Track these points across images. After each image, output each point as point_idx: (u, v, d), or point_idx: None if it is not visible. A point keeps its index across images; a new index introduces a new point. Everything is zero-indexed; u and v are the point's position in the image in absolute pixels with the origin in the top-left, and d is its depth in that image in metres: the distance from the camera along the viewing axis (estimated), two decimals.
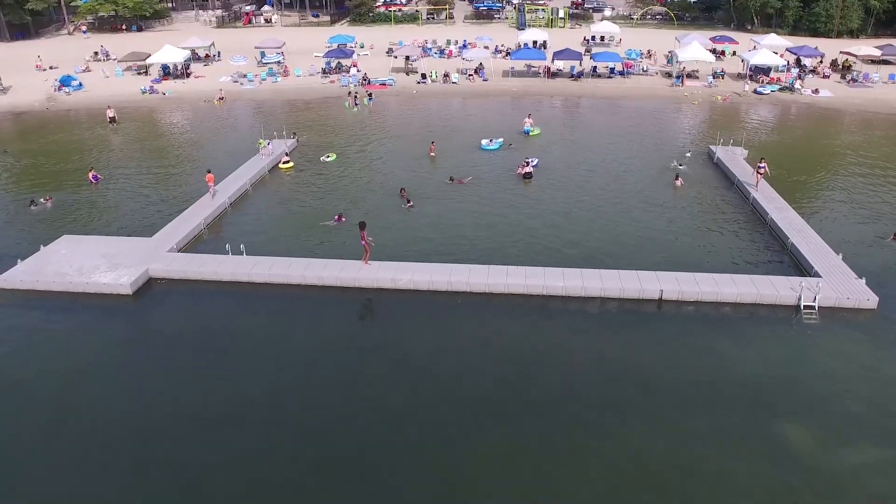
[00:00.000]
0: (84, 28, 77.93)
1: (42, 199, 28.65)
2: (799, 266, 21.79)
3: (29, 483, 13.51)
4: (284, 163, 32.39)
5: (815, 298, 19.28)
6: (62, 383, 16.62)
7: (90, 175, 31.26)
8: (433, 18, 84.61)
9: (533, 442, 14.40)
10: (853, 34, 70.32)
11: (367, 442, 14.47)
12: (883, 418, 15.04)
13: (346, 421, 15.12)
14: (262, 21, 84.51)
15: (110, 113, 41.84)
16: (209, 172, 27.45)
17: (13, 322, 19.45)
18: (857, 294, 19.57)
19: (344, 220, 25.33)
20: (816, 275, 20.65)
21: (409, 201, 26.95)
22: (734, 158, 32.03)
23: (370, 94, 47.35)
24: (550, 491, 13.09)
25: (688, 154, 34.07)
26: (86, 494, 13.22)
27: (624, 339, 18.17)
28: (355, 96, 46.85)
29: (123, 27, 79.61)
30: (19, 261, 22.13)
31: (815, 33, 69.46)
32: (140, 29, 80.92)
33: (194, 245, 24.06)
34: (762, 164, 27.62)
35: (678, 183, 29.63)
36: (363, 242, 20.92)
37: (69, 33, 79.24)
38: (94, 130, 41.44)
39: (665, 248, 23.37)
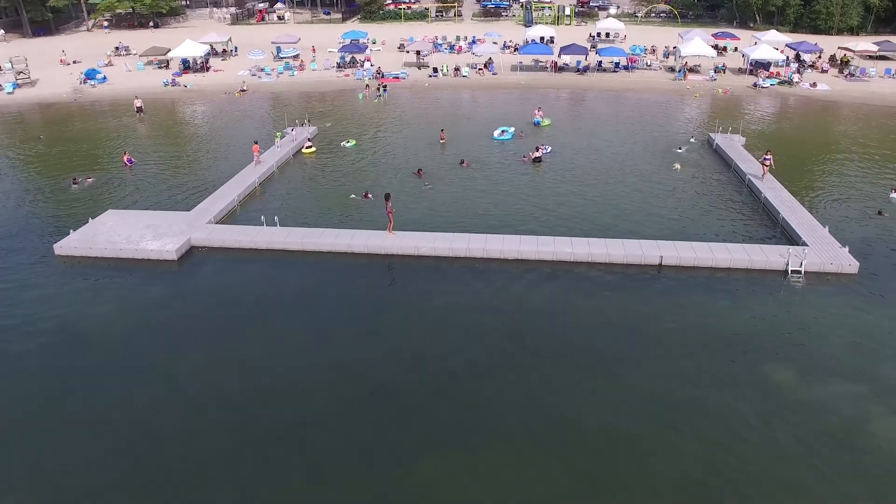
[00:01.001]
0: (105, 24, 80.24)
1: (83, 178, 30.72)
2: (789, 238, 23.62)
3: (97, 414, 15.47)
4: (307, 148, 34.35)
5: (801, 264, 21.12)
6: (119, 334, 18.57)
7: (125, 158, 33.29)
8: (442, 16, 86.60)
9: (545, 382, 16.27)
10: (853, 31, 71.95)
11: (395, 378, 16.38)
12: (857, 360, 16.89)
13: (376, 361, 17.01)
14: (275, 18, 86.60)
15: (138, 103, 43.89)
16: (256, 143, 30.93)
17: (71, 283, 21.43)
18: (840, 260, 21.41)
19: (370, 196, 27.28)
20: (804, 244, 22.48)
21: (427, 183, 28.84)
22: (732, 144, 33.85)
23: (385, 86, 49.26)
24: (563, 418, 14.94)
25: (692, 139, 35.99)
26: (147, 425, 15.16)
27: (627, 299, 20.04)
28: (378, 87, 48.80)
29: (149, 23, 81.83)
30: (71, 231, 24.14)
31: (815, 30, 71.12)
32: (156, 26, 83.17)
33: (229, 219, 26.04)
34: (768, 157, 28.20)
35: (678, 166, 31.47)
36: (388, 213, 22.85)
37: (88, 30, 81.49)
38: (122, 119, 43.49)
39: (665, 221, 25.28)
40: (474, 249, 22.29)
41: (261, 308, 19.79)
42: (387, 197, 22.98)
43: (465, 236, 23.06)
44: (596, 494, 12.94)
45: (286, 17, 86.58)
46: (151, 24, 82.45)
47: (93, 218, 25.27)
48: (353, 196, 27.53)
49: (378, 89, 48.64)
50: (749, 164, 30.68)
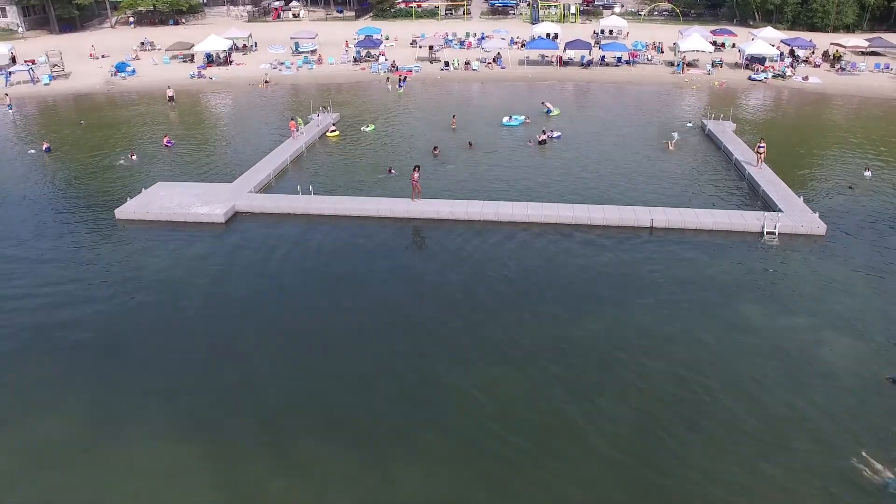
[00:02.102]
0: (132, 19, 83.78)
1: (128, 156, 33.88)
2: (767, 206, 26.42)
3: (158, 348, 18.49)
4: (331, 131, 37.35)
5: (775, 226, 23.97)
6: (182, 278, 21.58)
7: (165, 140, 36.38)
8: (451, 14, 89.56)
9: (548, 316, 19.17)
10: (849, 29, 74.53)
11: (420, 313, 19.32)
12: (818, 299, 19.78)
13: (401, 295, 19.96)
14: (290, 16, 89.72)
15: (170, 92, 47.01)
16: (293, 120, 34.76)
17: (133, 242, 24.46)
18: (810, 223, 24.26)
19: (393, 172, 30.29)
20: (779, 211, 25.32)
21: (450, 163, 31.80)
22: (723, 129, 36.66)
23: (405, 78, 52.25)
24: (559, 344, 17.84)
25: (689, 124, 38.91)
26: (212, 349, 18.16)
27: (622, 254, 22.91)
28: (399, 79, 51.93)
29: (168, 20, 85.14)
30: (129, 198, 27.20)
31: (812, 28, 73.66)
32: (177, 23, 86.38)
33: (265, 190, 29.03)
34: (762, 145, 30.09)
35: (671, 146, 34.38)
36: (414, 182, 25.84)
37: (111, 27, 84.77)
38: (154, 107, 46.61)
39: (658, 192, 28.19)
40: (487, 214, 25.27)
41: (299, 258, 22.80)
42: (415, 168, 26.06)
43: (479, 203, 26.04)
44: (581, 396, 15.77)
45: (301, 15, 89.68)
46: (170, 20, 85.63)
47: (145, 188, 28.31)
48: (380, 176, 30.44)
49: (399, 81, 51.69)
50: (737, 146, 33.50)
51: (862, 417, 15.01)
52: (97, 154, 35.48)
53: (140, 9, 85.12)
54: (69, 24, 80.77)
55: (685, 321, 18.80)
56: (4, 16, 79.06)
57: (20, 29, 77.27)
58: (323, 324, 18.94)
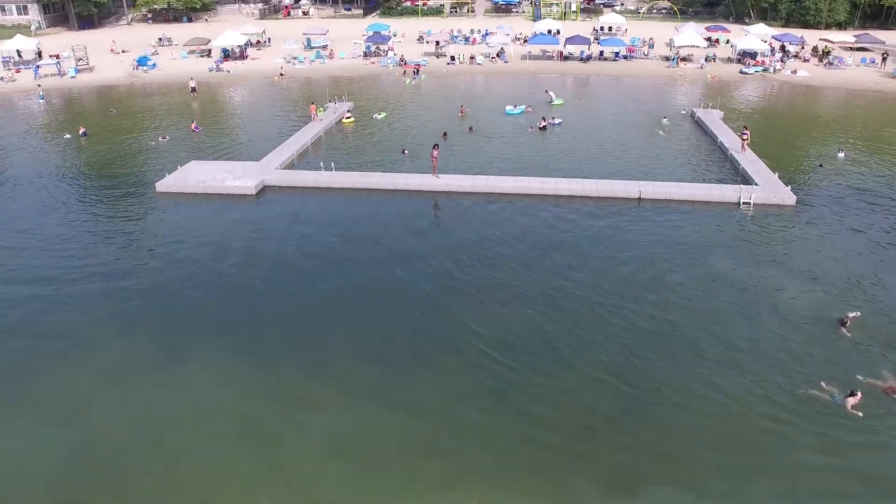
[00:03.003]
0: (150, 16, 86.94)
1: (160, 138, 36.83)
2: (745, 181, 29.13)
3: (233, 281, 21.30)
4: (347, 118, 40.19)
5: (751, 197, 26.73)
6: (218, 243, 24.34)
7: (192, 126, 39.26)
8: (456, 12, 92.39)
9: (546, 267, 21.94)
10: (841, 26, 77.16)
11: (430, 266, 22.11)
12: (783, 255, 22.56)
13: (415, 255, 22.76)
14: (300, 13, 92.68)
15: (192, 83, 49.92)
16: (312, 104, 37.67)
17: (174, 211, 27.30)
18: (782, 195, 27.00)
19: (406, 152, 33.15)
20: (755, 184, 28.07)
21: (451, 144, 34.65)
22: (711, 117, 39.38)
23: (417, 71, 55.16)
24: (559, 287, 20.60)
25: (683, 111, 41.66)
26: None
27: (613, 221, 25.66)
28: (413, 71, 54.86)
29: (182, 18, 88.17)
30: (167, 174, 30.06)
31: (805, 25, 76.28)
32: (190, 20, 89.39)
33: (289, 167, 31.84)
34: (746, 132, 32.46)
35: (662, 132, 37.16)
36: (432, 158, 28.66)
37: (128, 23, 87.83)
38: (177, 97, 49.52)
39: (648, 169, 30.94)
40: (492, 186, 28.14)
41: (323, 223, 25.62)
42: (434, 147, 29.01)
43: (484, 178, 28.88)
44: (565, 330, 18.48)
45: (310, 13, 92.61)
46: (183, 18, 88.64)
47: (181, 166, 31.16)
48: (395, 156, 33.33)
49: (413, 74, 54.66)
50: (723, 131, 36.21)
51: (813, 349, 17.62)
52: (130, 137, 38.40)
53: (155, 6, 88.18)
54: (87, 21, 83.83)
55: (661, 271, 21.58)
56: (26, 13, 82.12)
57: (33, 26, 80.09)
58: (345, 274, 21.74)
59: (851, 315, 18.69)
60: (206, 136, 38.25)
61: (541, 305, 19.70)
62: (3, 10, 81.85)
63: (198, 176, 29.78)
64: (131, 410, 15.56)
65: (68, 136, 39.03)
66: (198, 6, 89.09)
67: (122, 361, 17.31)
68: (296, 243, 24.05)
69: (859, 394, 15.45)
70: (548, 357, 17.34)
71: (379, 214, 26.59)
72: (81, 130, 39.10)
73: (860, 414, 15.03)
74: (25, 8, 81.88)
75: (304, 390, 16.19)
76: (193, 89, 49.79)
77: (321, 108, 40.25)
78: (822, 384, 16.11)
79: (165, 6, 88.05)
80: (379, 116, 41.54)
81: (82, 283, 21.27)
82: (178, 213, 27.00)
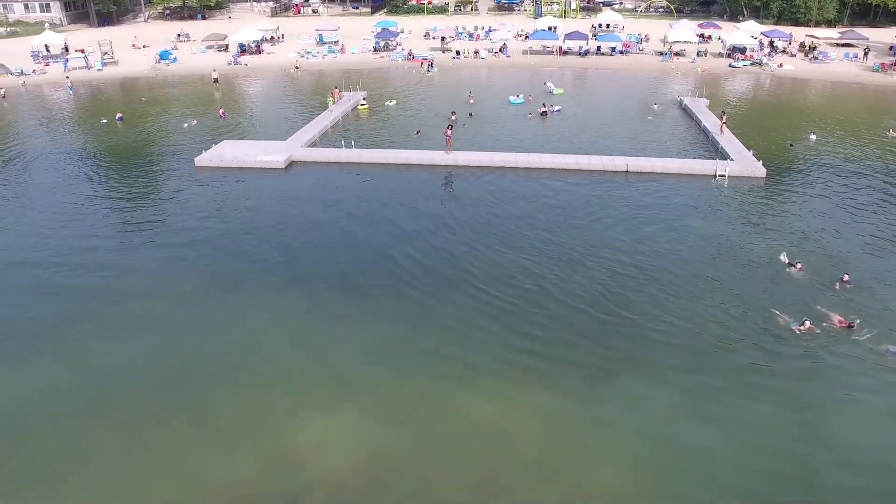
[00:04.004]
0: (168, 12, 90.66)
1: (190, 121, 40.37)
2: (723, 158, 32.51)
3: (273, 240, 24.73)
4: (362, 105, 43.66)
5: (726, 170, 30.11)
6: (254, 208, 27.75)
7: (220, 111, 42.73)
8: (460, 10, 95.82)
9: (543, 226, 25.33)
10: (830, 24, 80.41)
11: (440, 222, 25.51)
12: (750, 215, 25.99)
13: (435, 224, 26.15)
14: (310, 11, 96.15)
15: (215, 75, 53.38)
16: (336, 88, 41.22)
17: (212, 182, 30.72)
18: (754, 168, 30.40)
19: (419, 133, 36.61)
20: (731, 159, 31.45)
21: (464, 123, 38.10)
22: (697, 104, 42.76)
23: (431, 63, 58.78)
24: (548, 241, 23.97)
25: (678, 98, 45.10)
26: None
27: (603, 189, 29.04)
28: (428, 64, 58.61)
29: (196, 15, 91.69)
30: (203, 150, 33.52)
31: (796, 23, 79.56)
32: (204, 17, 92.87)
33: (313, 146, 35.28)
34: (724, 116, 36.18)
35: (651, 117, 40.61)
36: (447, 136, 32.08)
37: (145, 20, 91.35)
38: (201, 87, 52.98)
39: (637, 147, 34.37)
40: (495, 161, 31.68)
41: (345, 191, 29.01)
42: (449, 126, 32.54)
43: (487, 154, 32.39)
44: (552, 273, 21.83)
45: (320, 11, 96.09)
46: (198, 15, 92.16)
47: (215, 144, 34.61)
48: (409, 136, 36.89)
49: (428, 66, 58.46)
50: (707, 116, 39.59)
51: (769, 287, 20.98)
52: (162, 121, 41.89)
53: (171, 4, 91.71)
54: (107, 19, 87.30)
55: (638, 226, 25.03)
56: (48, 10, 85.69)
57: (47, 25, 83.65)
58: (366, 229, 25.17)
59: (798, 265, 21.92)
60: (233, 121, 41.70)
61: (531, 255, 23.01)
62: (27, 7, 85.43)
63: (232, 152, 33.23)
64: (201, 326, 18.96)
65: (104, 120, 42.47)
66: (212, 4, 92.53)
67: (187, 294, 20.71)
68: (322, 206, 27.51)
69: (808, 322, 18.67)
70: (536, 292, 20.60)
71: (395, 184, 30.02)
72: (118, 115, 42.55)
73: (804, 331, 18.30)
74: (48, 6, 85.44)
75: (340, 312, 19.58)
76: (216, 80, 53.22)
77: (332, 99, 43.64)
78: (777, 312, 19.35)
79: (181, 4, 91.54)
80: (390, 104, 44.98)
81: (145, 234, 24.76)
82: (216, 183, 30.45)
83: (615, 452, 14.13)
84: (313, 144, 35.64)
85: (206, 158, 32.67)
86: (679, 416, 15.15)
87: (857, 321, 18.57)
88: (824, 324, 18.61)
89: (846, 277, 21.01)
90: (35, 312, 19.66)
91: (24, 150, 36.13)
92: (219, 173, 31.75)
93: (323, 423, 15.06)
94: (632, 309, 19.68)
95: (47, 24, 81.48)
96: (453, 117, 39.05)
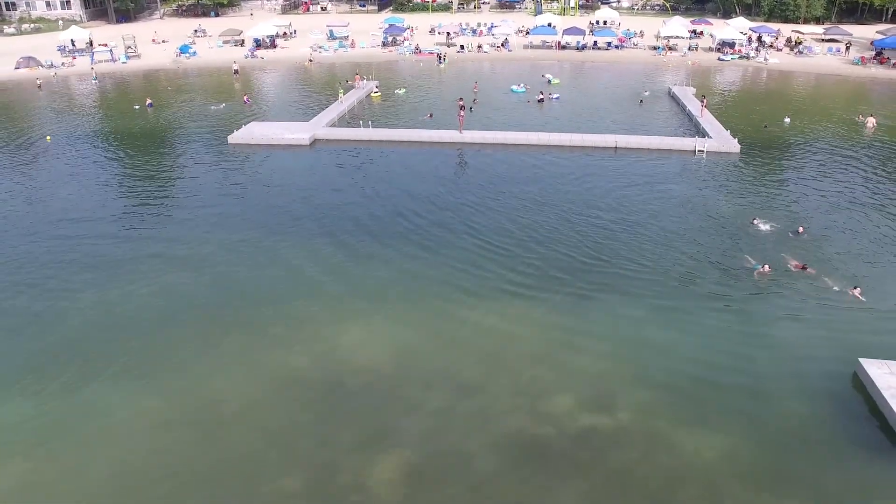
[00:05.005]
0: (184, 8, 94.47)
1: (218, 104, 44.07)
2: (702, 136, 36.08)
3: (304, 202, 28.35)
4: (375, 93, 47.31)
5: (704, 146, 33.70)
6: (284, 180, 31.35)
7: (245, 98, 46.37)
8: (464, 7, 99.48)
9: (532, 192, 28.89)
10: (819, 21, 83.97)
11: (449, 187, 29.10)
12: (723, 182, 29.57)
13: (443, 188, 29.74)
14: (319, 9, 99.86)
15: (235, 66, 57.06)
16: (357, 74, 45.03)
17: (246, 157, 34.35)
18: (729, 145, 33.99)
19: (432, 116, 40.25)
20: (709, 137, 35.04)
21: (471, 107, 41.74)
22: (684, 92, 46.36)
23: (443, 56, 62.46)
24: (539, 202, 27.54)
25: (668, 87, 48.72)
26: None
27: (592, 162, 32.64)
28: (440, 57, 62.36)
29: (209, 12, 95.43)
30: (235, 130, 37.17)
31: (785, 20, 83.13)
32: (217, 14, 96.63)
33: (333, 126, 38.92)
34: (704, 100, 40.41)
35: (641, 101, 44.23)
36: (460, 117, 35.70)
37: (161, 17, 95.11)
38: (222, 78, 56.67)
39: (625, 127, 37.96)
40: (498, 138, 35.35)
41: (365, 164, 32.64)
42: (462, 108, 36.06)
43: (492, 133, 36.04)
44: (549, 224, 25.41)
45: (328, 8, 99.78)
46: (211, 12, 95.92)
47: (244, 125, 38.26)
48: (422, 118, 40.46)
49: (442, 57, 62.21)
50: (692, 103, 43.15)
51: (734, 238, 24.46)
52: (190, 107, 45.55)
53: (185, 2, 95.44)
54: (124, 15, 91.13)
55: (622, 192, 28.55)
56: (69, 7, 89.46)
57: (60, 23, 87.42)
58: (384, 193, 28.73)
59: (756, 220, 25.44)
60: (256, 107, 45.35)
61: (527, 213, 26.48)
62: (49, 5, 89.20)
63: (261, 131, 36.87)
64: (253, 263, 22.55)
65: (137, 106, 46.11)
66: (224, 2, 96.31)
67: (239, 241, 24.24)
68: (344, 175, 31.16)
69: (767, 266, 22.13)
70: (529, 241, 23.95)
71: (409, 159, 33.64)
72: (148, 102, 46.17)
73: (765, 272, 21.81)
74: (68, 3, 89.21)
75: (367, 253, 23.16)
76: (236, 71, 56.89)
77: (342, 90, 47.14)
78: (745, 256, 22.81)
79: (195, 2, 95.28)
80: (399, 92, 48.62)
81: (196, 197, 28.46)
82: (250, 157, 34.09)
83: (594, 348, 17.70)
84: (333, 125, 39.26)
85: (238, 137, 36.30)
86: (645, 324, 18.71)
87: (809, 264, 22.00)
88: (783, 267, 22.05)
89: (801, 229, 24.53)
90: (114, 251, 23.37)
91: (67, 131, 39.79)
92: (250, 149, 35.38)
93: (359, 329, 18.65)
94: (609, 254, 23.04)
95: (60, 22, 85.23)
96: (461, 102, 42.63)
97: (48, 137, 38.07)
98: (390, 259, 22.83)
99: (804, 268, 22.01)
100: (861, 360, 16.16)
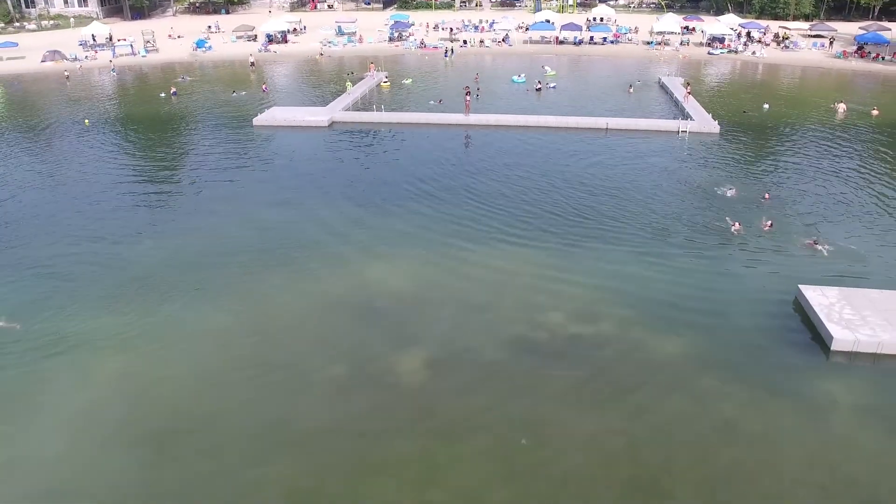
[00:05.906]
0: (198, 4, 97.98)
1: (239, 91, 47.53)
2: (686, 118, 39.49)
3: (325, 180, 31.78)
4: (384, 83, 50.79)
5: (687, 127, 37.15)
6: (307, 156, 34.79)
7: (263, 87, 49.83)
8: (465, 5, 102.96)
9: (525, 167, 32.32)
10: (808, 18, 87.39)
11: (453, 165, 32.52)
12: (702, 157, 32.97)
13: (447, 162, 33.15)
14: (326, 7, 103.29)
15: (251, 59, 60.56)
16: (371, 63, 48.90)
17: (272, 137, 37.80)
18: (710, 126, 37.44)
19: (442, 101, 43.74)
20: (692, 119, 38.49)
21: (475, 94, 45.22)
22: (672, 82, 49.82)
23: (451, 50, 65.91)
24: (531, 177, 30.94)
25: (658, 78, 52.22)
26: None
27: (583, 140, 36.09)
28: (449, 50, 65.88)
29: (221, 10, 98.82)
30: (258, 114, 40.62)
31: (775, 17, 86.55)
32: (227, 12, 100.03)
33: (348, 111, 42.39)
34: (688, 86, 44.39)
35: (631, 90, 47.76)
36: (466, 102, 39.16)
37: (173, 14, 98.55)
38: (238, 70, 60.11)
39: (616, 112, 41.40)
40: (500, 120, 38.84)
41: (379, 143, 36.09)
42: (468, 93, 39.47)
43: (494, 115, 39.55)
44: (541, 191, 28.82)
45: (335, 6, 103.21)
46: (221, 10, 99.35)
47: (267, 109, 41.70)
48: (431, 102, 43.95)
49: (449, 51, 65.65)
50: (679, 91, 46.57)
51: (709, 203, 27.86)
52: (212, 95, 48.99)
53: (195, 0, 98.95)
54: (139, 12, 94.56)
55: (608, 165, 32.00)
56: (86, 4, 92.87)
57: (72, 19, 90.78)
58: (396, 165, 32.17)
59: (731, 190, 28.85)
60: (274, 95, 48.80)
61: (522, 182, 29.85)
62: (66, 2, 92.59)
63: (282, 115, 40.33)
64: (286, 218, 25.97)
65: (162, 94, 49.53)
66: (235, 0, 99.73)
67: (276, 201, 27.65)
68: (361, 152, 34.67)
69: (738, 223, 25.48)
70: (523, 203, 27.39)
71: (420, 139, 37.09)
72: (172, 90, 49.60)
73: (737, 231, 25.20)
74: (86, 0, 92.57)
75: (384, 211, 26.59)
76: (252, 64, 60.34)
77: (350, 83, 50.51)
78: (725, 218, 26.10)
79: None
80: (406, 82, 52.09)
81: (234, 171, 31.91)
82: (274, 136, 37.55)
83: (582, 281, 21.12)
84: (348, 110, 42.71)
85: (262, 119, 39.75)
86: (626, 264, 22.12)
87: (772, 223, 25.28)
88: (752, 225, 25.36)
89: (766, 196, 27.96)
90: (171, 207, 27.05)
91: (103, 116, 43.21)
92: (274, 130, 38.83)
93: (383, 266, 22.10)
94: (593, 214, 26.35)
95: (72, 20, 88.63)
96: (467, 89, 46.16)
97: (87, 121, 41.48)
98: (405, 216, 26.26)
99: (770, 225, 25.41)
100: (800, 286, 19.58)
